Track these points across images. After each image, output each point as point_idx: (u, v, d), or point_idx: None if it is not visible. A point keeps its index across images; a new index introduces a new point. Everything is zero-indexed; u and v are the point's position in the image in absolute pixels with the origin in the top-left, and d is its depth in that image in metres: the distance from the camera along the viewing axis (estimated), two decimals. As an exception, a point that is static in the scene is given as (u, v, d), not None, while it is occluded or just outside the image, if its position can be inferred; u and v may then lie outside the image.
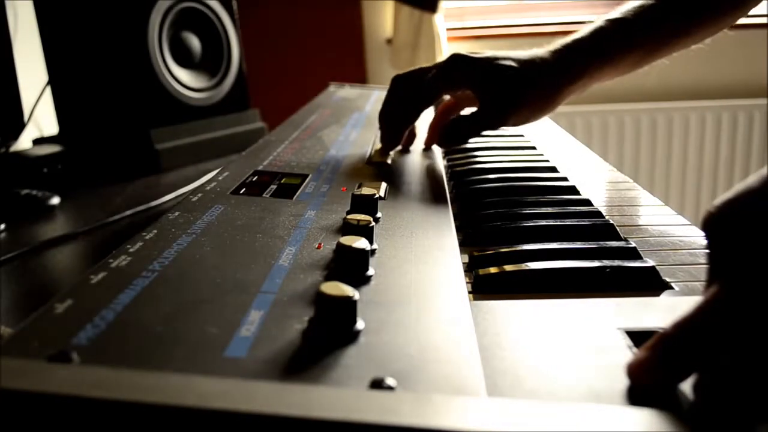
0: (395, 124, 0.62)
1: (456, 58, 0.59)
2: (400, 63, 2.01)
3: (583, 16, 2.04)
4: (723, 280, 0.24)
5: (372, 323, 0.27)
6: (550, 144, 0.79)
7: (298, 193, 0.47)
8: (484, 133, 0.81)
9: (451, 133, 0.61)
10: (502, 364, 0.27)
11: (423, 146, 0.68)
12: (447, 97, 0.69)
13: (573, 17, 2.07)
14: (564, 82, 0.58)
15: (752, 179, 0.25)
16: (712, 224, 0.25)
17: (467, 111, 0.65)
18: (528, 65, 0.57)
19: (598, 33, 0.59)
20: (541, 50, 0.59)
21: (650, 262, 0.38)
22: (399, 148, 0.65)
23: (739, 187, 0.25)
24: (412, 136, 0.67)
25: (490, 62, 0.58)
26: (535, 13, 2.14)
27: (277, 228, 0.39)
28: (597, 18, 0.60)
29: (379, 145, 0.64)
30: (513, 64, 0.57)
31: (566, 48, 0.59)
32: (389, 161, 0.60)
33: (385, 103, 0.62)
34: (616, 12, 0.60)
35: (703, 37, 0.62)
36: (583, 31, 0.59)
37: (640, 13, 0.59)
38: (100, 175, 0.91)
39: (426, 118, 0.66)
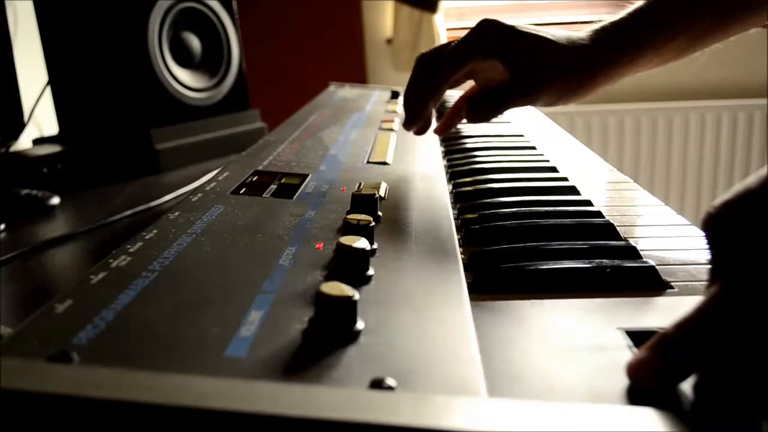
0: (418, 100, 0.57)
1: (487, 24, 0.53)
2: (400, 63, 2.01)
3: (583, 16, 2.04)
4: (723, 280, 0.24)
5: (372, 323, 0.27)
6: (550, 144, 0.79)
7: (298, 193, 0.47)
8: (484, 132, 0.82)
9: (475, 109, 0.56)
10: (502, 364, 0.27)
11: (433, 131, 0.64)
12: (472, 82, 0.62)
13: (573, 17, 2.07)
14: (601, 66, 0.53)
15: (751, 179, 0.25)
16: (711, 225, 0.25)
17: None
18: (565, 45, 0.53)
19: (639, 14, 0.53)
20: (579, 33, 0.54)
21: (650, 262, 0.38)
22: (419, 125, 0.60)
23: (738, 187, 0.25)
24: (428, 122, 0.62)
25: (526, 35, 0.53)
26: (535, 13, 2.14)
27: (277, 228, 0.39)
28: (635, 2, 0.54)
29: (379, 146, 0.63)
30: (551, 38, 0.52)
31: (605, 30, 0.53)
32: (389, 161, 0.60)
33: (409, 82, 0.58)
34: None
35: (749, 26, 0.55)
36: (623, 13, 0.54)
37: None
38: (100, 175, 0.91)
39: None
